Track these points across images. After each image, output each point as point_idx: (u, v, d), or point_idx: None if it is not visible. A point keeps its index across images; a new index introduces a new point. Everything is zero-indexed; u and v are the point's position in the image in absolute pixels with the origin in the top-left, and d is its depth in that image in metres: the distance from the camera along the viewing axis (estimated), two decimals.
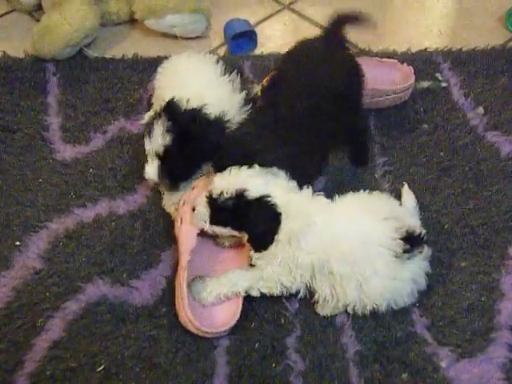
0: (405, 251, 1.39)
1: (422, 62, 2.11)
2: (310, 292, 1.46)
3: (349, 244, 1.38)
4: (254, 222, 1.39)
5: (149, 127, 1.57)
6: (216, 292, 1.46)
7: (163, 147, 1.55)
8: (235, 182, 1.40)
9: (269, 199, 1.37)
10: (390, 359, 1.41)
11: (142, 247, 1.63)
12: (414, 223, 1.46)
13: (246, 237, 1.43)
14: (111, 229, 1.67)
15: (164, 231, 1.65)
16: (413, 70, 1.99)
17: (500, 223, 1.66)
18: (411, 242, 1.40)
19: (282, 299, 1.50)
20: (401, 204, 1.58)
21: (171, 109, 1.56)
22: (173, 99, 1.58)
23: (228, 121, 1.61)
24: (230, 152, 1.49)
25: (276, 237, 1.38)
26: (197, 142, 1.56)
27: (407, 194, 1.66)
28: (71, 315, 1.49)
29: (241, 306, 1.46)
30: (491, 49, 2.18)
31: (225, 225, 1.44)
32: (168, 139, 1.54)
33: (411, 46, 2.19)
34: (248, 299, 1.49)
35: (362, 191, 1.53)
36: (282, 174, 1.44)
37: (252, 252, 1.44)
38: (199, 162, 1.60)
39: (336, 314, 1.47)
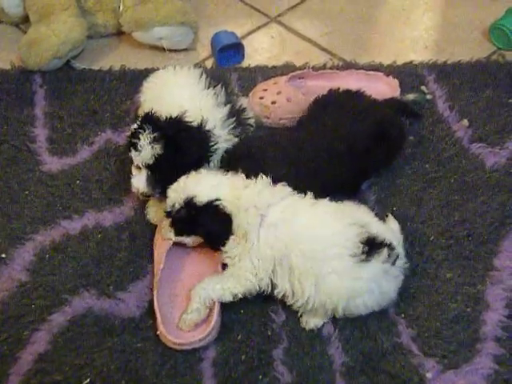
0: (363, 253, 1.39)
1: (408, 75, 2.12)
2: (273, 288, 1.46)
3: (309, 244, 1.40)
4: (205, 226, 1.45)
5: (131, 142, 1.57)
6: (200, 305, 1.44)
7: (154, 157, 1.55)
8: (184, 190, 1.46)
9: (217, 203, 1.43)
10: (377, 370, 1.41)
11: (129, 259, 1.62)
12: (380, 232, 1.45)
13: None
14: (98, 241, 1.66)
15: (151, 243, 1.64)
16: (398, 83, 2.01)
17: (485, 234, 1.67)
18: (370, 245, 1.40)
19: (268, 311, 1.51)
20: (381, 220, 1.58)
21: (153, 119, 1.58)
22: (150, 111, 1.60)
23: (209, 130, 1.62)
24: (239, 154, 1.60)
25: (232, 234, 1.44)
26: (185, 148, 1.57)
27: (390, 221, 1.64)
28: (57, 328, 1.48)
29: (216, 313, 1.45)
30: (476, 62, 2.19)
31: (188, 234, 1.50)
32: (157, 148, 1.54)
33: (397, 58, 2.21)
34: (234, 311, 1.50)
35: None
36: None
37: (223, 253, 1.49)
38: (187, 168, 1.59)
39: (323, 326, 1.47)
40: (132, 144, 1.57)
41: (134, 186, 1.61)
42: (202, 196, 1.44)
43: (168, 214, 1.49)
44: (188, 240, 1.52)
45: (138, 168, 1.59)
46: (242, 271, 1.43)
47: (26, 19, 2.30)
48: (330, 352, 1.44)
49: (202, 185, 1.47)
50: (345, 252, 1.39)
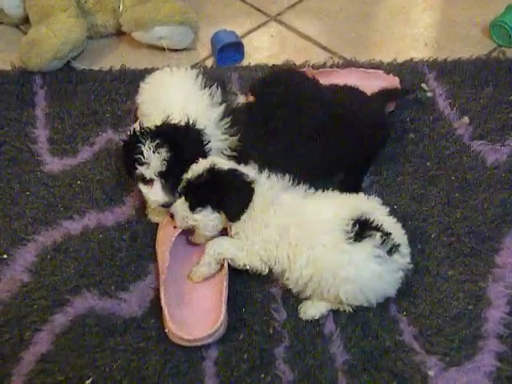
0: (351, 231, 1.42)
1: (408, 73, 2.12)
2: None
3: (306, 217, 1.48)
4: (228, 190, 1.49)
5: (134, 159, 1.56)
6: (212, 260, 1.52)
7: (164, 163, 1.55)
8: (204, 163, 1.53)
9: (239, 171, 1.52)
10: (379, 368, 1.41)
11: (130, 259, 1.63)
12: (380, 221, 1.46)
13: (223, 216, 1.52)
14: (99, 241, 1.67)
15: (152, 243, 1.65)
16: (399, 81, 2.02)
17: (486, 232, 1.67)
18: (362, 227, 1.43)
19: (269, 309, 1.51)
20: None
21: (147, 131, 1.58)
22: (139, 125, 1.61)
23: (200, 129, 1.64)
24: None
25: (251, 207, 1.50)
26: (186, 147, 1.58)
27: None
28: (59, 328, 1.49)
29: (224, 310, 1.45)
30: (476, 59, 2.19)
31: (204, 204, 1.50)
32: (164, 154, 1.54)
33: (397, 56, 2.21)
34: (236, 310, 1.50)
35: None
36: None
37: (230, 229, 1.54)
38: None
39: (324, 324, 1.48)
40: (135, 161, 1.56)
41: (152, 200, 1.60)
42: (224, 164, 1.53)
43: (185, 187, 1.52)
44: (204, 217, 1.51)
45: (148, 182, 1.59)
46: (254, 248, 1.49)
47: (26, 20, 2.31)
48: (331, 350, 1.44)
49: (223, 160, 1.57)
50: (336, 228, 1.44)
